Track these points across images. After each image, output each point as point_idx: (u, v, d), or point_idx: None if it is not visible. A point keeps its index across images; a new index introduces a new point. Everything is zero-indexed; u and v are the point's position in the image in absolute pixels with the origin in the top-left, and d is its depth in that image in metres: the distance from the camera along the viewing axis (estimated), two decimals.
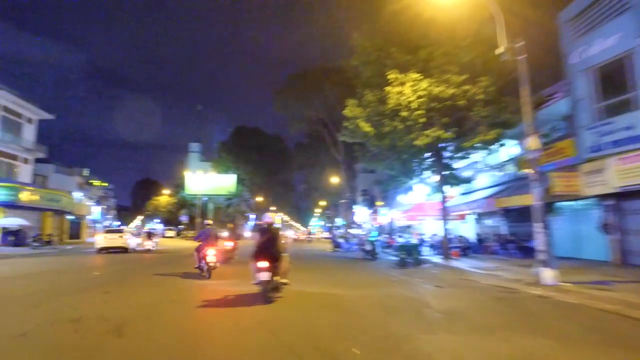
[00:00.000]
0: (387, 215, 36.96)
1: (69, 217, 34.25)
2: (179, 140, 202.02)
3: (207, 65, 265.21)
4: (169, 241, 40.83)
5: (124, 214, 78.12)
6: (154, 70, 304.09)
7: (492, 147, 15.49)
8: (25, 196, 26.96)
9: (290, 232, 59.02)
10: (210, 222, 13.07)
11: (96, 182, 59.70)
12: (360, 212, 46.77)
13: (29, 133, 31.05)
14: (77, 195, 36.63)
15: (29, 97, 30.66)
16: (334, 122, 34.80)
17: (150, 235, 25.48)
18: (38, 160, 34.73)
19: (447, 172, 17.12)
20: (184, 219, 54.21)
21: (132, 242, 23.11)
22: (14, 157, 29.65)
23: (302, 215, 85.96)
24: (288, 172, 63.78)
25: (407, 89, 13.83)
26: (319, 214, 79.95)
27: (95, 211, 43.95)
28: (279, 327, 5.09)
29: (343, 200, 47.70)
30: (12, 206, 26.20)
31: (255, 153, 57.23)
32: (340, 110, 18.23)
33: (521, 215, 18.91)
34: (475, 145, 14.64)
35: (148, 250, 23.38)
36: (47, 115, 32.24)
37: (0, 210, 25.60)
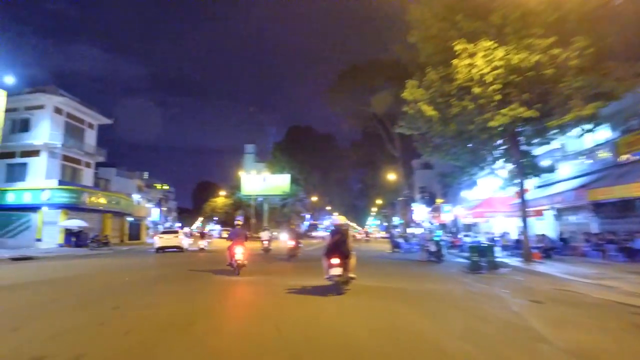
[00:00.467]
0: (450, 213, 34.19)
1: (128, 218, 35.14)
2: (235, 143, 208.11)
3: (259, 68, 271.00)
4: (226, 242, 40.97)
5: (185, 215, 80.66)
6: (210, 77, 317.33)
7: (588, 126, 12.71)
8: (86, 198, 27.73)
9: None
10: (240, 222, 13.38)
11: (158, 185, 61.97)
12: (419, 210, 44.23)
13: (90, 138, 32.31)
14: (136, 197, 37.59)
15: (89, 104, 31.89)
16: (388, 116, 33.02)
17: (203, 235, 27.23)
18: (101, 164, 36.22)
19: (525, 160, 14.62)
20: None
21: (185, 242, 24.38)
22: (77, 161, 30.80)
23: (358, 214, 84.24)
24: (343, 171, 62.81)
25: (479, 60, 11.54)
26: (375, 213, 77.86)
27: (155, 213, 45.12)
28: None
29: (400, 198, 45.29)
30: (75, 208, 27.06)
31: (309, 152, 56.80)
32: (394, 103, 16.34)
33: (618, 210, 15.90)
34: (565, 124, 11.94)
35: (202, 250, 24.30)
36: (106, 120, 33.36)
37: (63, 212, 26.49)
